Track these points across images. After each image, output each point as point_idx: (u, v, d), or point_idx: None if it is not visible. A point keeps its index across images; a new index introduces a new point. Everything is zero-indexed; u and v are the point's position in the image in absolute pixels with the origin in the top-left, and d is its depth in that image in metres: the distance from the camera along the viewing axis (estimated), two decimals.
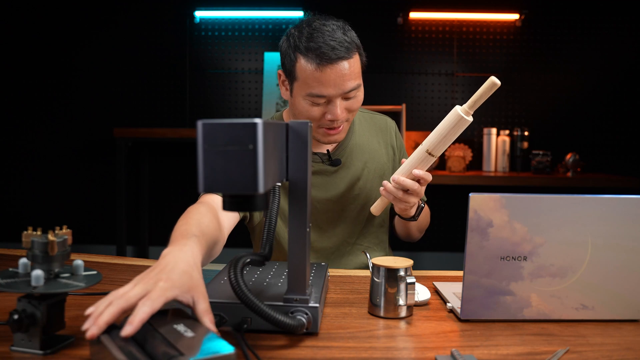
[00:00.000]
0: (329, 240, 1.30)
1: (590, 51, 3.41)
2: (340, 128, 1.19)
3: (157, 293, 0.65)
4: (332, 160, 1.27)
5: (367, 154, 1.33)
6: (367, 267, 1.29)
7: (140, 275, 0.69)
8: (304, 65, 1.11)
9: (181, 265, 0.71)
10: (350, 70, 1.11)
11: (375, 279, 0.86)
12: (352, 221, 1.31)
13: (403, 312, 0.85)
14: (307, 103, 1.14)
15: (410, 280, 0.83)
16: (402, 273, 0.84)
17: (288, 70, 1.16)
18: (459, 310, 0.85)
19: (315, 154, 1.28)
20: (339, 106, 1.13)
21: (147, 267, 1.16)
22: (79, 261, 0.72)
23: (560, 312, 0.85)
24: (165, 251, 0.76)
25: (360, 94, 1.18)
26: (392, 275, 0.85)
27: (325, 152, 1.28)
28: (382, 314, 0.86)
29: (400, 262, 0.86)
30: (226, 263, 1.02)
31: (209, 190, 0.62)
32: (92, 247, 3.51)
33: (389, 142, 1.38)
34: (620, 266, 0.84)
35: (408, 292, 0.83)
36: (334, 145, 1.30)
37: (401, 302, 0.84)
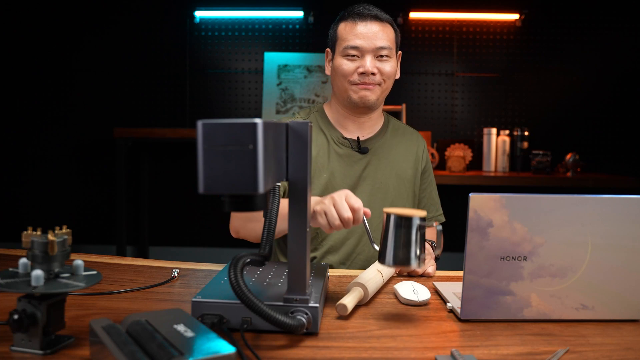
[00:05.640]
0: None
1: (590, 51, 3.41)
2: (372, 87, 1.29)
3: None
4: (361, 148, 1.35)
5: (394, 156, 1.39)
6: (375, 259, 1.31)
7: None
8: (342, 26, 1.31)
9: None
10: (382, 30, 1.28)
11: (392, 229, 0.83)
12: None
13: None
14: (343, 59, 1.30)
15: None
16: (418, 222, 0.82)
17: (331, 40, 1.35)
18: (459, 310, 0.85)
19: (345, 138, 1.36)
20: (370, 61, 1.27)
21: (147, 267, 1.17)
22: (79, 261, 0.72)
23: (560, 312, 0.85)
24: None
25: (392, 62, 1.31)
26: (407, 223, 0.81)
27: (356, 138, 1.36)
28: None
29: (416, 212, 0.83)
30: (226, 263, 1.02)
31: (209, 190, 0.62)
32: (92, 247, 3.50)
33: (415, 151, 1.43)
34: (620, 266, 0.84)
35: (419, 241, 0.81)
36: (366, 136, 1.37)
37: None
